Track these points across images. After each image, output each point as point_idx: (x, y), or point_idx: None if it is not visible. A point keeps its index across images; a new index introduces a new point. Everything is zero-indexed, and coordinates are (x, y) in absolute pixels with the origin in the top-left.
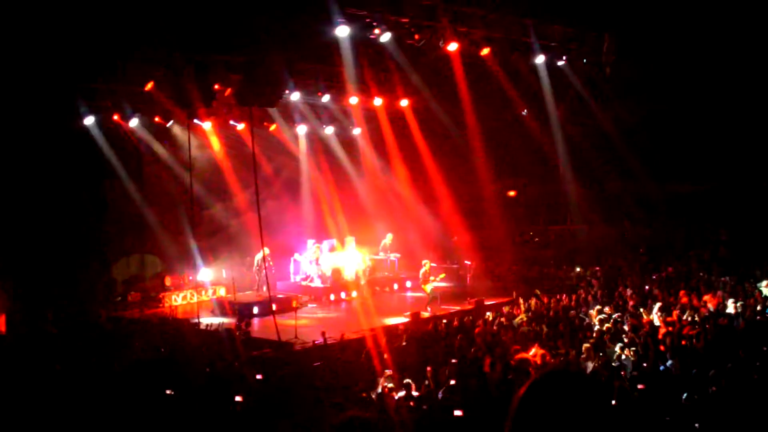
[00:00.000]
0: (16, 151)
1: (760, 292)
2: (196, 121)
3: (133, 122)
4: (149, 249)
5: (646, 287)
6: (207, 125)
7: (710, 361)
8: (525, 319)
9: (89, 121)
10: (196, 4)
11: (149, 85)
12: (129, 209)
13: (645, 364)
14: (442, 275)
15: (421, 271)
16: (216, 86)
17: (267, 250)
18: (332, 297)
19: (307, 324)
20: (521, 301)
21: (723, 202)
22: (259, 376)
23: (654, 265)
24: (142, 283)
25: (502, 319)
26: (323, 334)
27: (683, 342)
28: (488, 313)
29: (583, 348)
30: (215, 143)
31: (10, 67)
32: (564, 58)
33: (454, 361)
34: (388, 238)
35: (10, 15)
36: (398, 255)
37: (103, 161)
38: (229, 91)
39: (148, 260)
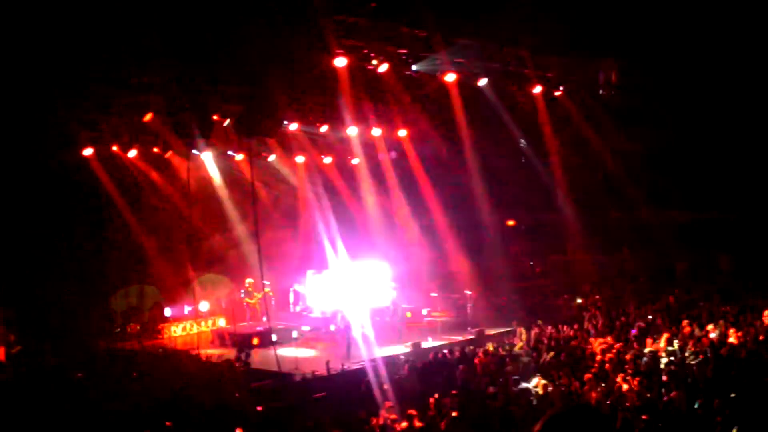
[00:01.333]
0: (15, 182)
1: (761, 321)
2: (194, 151)
3: (132, 153)
4: (148, 280)
5: (648, 317)
6: (206, 155)
7: (714, 391)
8: (524, 348)
9: (88, 151)
10: (196, 36)
11: (148, 116)
12: (128, 240)
13: (648, 395)
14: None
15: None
16: (215, 117)
17: (252, 281)
18: (332, 327)
19: (308, 355)
20: (523, 330)
21: (724, 230)
22: (259, 408)
23: (655, 295)
24: (141, 314)
25: (501, 350)
26: (327, 364)
27: (686, 372)
28: (489, 344)
29: (585, 378)
30: (214, 173)
31: (10, 98)
32: (561, 88)
33: (454, 392)
34: (384, 268)
35: (10, 46)
36: (396, 285)
37: (102, 192)
38: (228, 121)
39: (147, 291)
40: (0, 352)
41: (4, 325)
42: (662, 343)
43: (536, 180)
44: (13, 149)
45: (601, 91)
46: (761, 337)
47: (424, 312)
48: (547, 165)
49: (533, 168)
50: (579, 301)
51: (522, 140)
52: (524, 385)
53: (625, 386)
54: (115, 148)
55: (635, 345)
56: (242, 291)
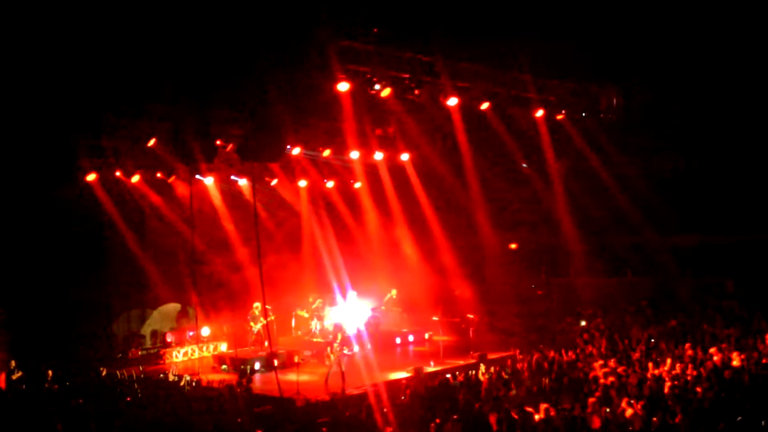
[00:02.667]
0: (18, 207)
1: (765, 345)
2: (198, 176)
3: (135, 178)
4: (150, 304)
5: (651, 340)
6: (209, 180)
7: (718, 416)
8: (527, 372)
9: (91, 177)
10: (199, 61)
11: (152, 141)
12: (130, 264)
13: (654, 419)
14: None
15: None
16: (218, 142)
17: (259, 305)
18: (330, 350)
19: (309, 380)
20: (525, 355)
21: (729, 254)
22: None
23: (657, 318)
24: (142, 340)
25: (504, 374)
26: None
27: (690, 396)
28: (492, 368)
29: (589, 402)
30: (217, 198)
31: (12, 123)
32: (563, 112)
33: (455, 417)
34: (393, 293)
35: (14, 71)
36: (399, 309)
37: (105, 217)
38: (231, 146)
39: (149, 316)
40: (0, 378)
41: (4, 351)
42: (666, 367)
43: (538, 203)
44: (15, 174)
45: (602, 115)
46: (764, 360)
47: (426, 336)
48: (549, 188)
49: (535, 191)
50: (582, 324)
51: (524, 163)
52: (527, 409)
53: (629, 410)
54: (118, 173)
55: (638, 368)
56: (249, 315)
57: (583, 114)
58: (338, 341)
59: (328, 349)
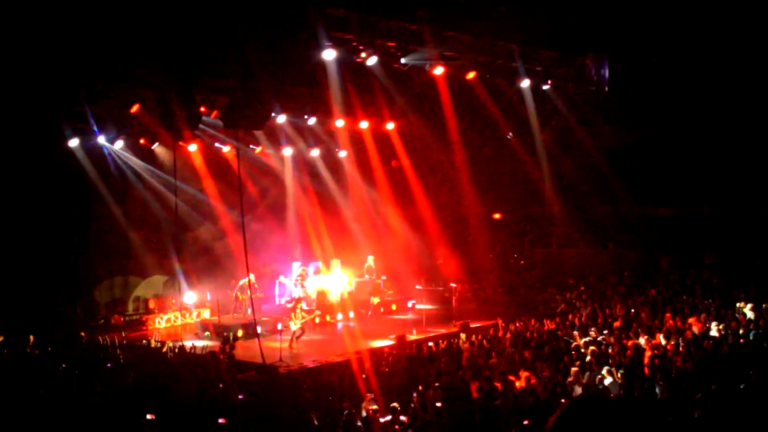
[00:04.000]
0: None
1: (744, 315)
2: (181, 143)
3: (118, 144)
4: (133, 271)
5: (632, 310)
6: (192, 147)
7: (696, 385)
8: (508, 341)
9: (74, 143)
10: (183, 27)
11: (135, 108)
12: (113, 231)
13: (633, 388)
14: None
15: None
16: (202, 109)
17: (253, 277)
18: (317, 320)
19: (292, 347)
20: (507, 325)
21: (708, 225)
22: (240, 396)
23: (639, 288)
24: (125, 306)
25: (486, 343)
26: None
27: (669, 365)
28: (474, 336)
29: (572, 371)
30: (200, 165)
31: None
32: (549, 82)
33: (437, 384)
34: (370, 260)
35: None
36: (384, 277)
37: (88, 183)
38: (215, 113)
39: (131, 283)
40: None
41: None
42: (646, 336)
43: (523, 173)
44: None
45: (588, 86)
46: (743, 331)
47: (409, 304)
48: (533, 158)
49: (520, 161)
50: (564, 294)
51: (509, 133)
52: (508, 377)
53: (609, 379)
54: (101, 139)
55: (619, 338)
56: (238, 288)
57: (569, 85)
58: (300, 308)
59: (292, 314)
